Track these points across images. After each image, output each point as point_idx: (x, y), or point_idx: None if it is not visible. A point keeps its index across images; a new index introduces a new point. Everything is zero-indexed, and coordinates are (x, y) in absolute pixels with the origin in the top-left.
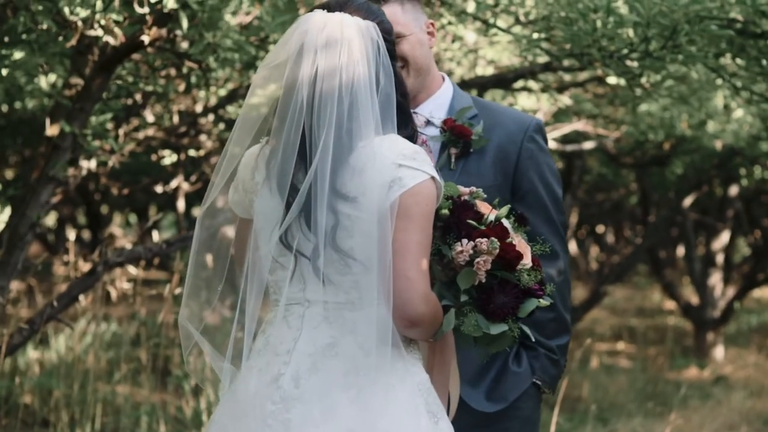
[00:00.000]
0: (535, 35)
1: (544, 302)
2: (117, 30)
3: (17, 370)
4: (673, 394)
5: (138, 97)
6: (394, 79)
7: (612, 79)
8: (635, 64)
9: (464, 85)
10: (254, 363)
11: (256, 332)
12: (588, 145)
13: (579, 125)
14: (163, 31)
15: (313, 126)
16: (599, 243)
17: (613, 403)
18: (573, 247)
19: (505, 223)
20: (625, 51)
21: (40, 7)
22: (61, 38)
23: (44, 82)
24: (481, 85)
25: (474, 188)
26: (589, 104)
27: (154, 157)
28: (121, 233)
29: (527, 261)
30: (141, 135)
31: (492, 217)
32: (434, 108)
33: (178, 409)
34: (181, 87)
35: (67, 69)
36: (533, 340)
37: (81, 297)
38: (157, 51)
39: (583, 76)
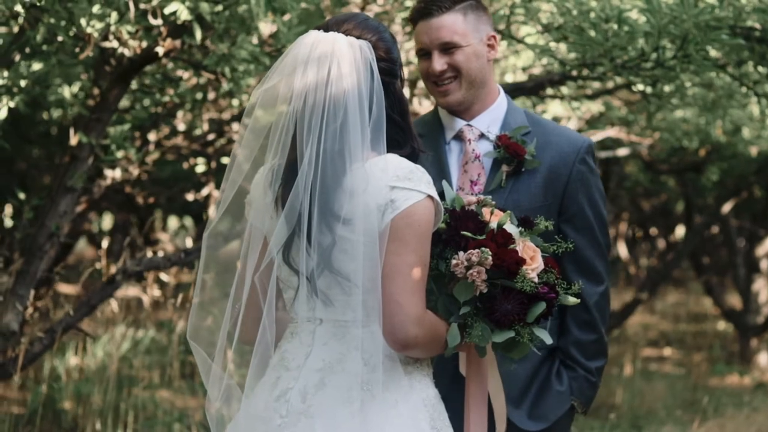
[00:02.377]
0: (553, 44)
1: (573, 300)
2: (132, 42)
3: (56, 376)
4: (710, 401)
5: (160, 107)
6: (392, 98)
7: (639, 87)
8: (647, 74)
9: None
10: (267, 378)
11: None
12: (622, 151)
13: (612, 132)
14: (177, 43)
15: (303, 146)
16: (650, 248)
17: (650, 410)
18: (623, 251)
19: (510, 228)
20: (637, 61)
21: (53, 20)
22: (78, 49)
23: (67, 92)
24: (508, 92)
25: (482, 196)
26: (619, 111)
27: (185, 165)
28: (167, 238)
29: (535, 264)
30: (168, 143)
31: (494, 225)
32: (490, 122)
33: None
34: (211, 95)
35: (91, 79)
36: (549, 342)
37: (114, 304)
38: (172, 62)
39: (612, 83)
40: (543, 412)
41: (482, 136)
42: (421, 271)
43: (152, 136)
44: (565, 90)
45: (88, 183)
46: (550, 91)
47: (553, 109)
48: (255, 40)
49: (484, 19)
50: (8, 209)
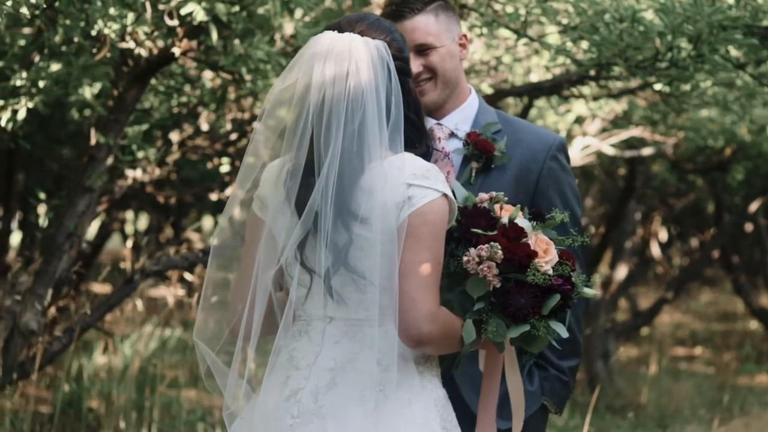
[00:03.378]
0: (569, 44)
1: (591, 292)
2: (148, 42)
3: (79, 375)
4: (737, 400)
5: (183, 107)
6: (408, 97)
7: (658, 86)
8: (662, 74)
9: (509, 93)
10: (276, 377)
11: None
12: (646, 151)
13: (636, 131)
14: (194, 43)
15: (321, 145)
16: (683, 248)
17: (677, 409)
18: (656, 251)
19: (522, 222)
20: (652, 61)
21: (68, 21)
22: (95, 50)
23: (88, 92)
24: (529, 92)
25: (494, 193)
26: (642, 111)
27: (210, 165)
28: (198, 237)
29: (549, 257)
30: (192, 144)
31: (505, 220)
32: (460, 120)
33: None
34: (234, 95)
35: (111, 79)
36: (565, 336)
37: (139, 303)
38: (195, 62)
39: (634, 83)
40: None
41: (452, 134)
42: (435, 269)
43: (175, 137)
44: (587, 90)
45: (110, 183)
46: (568, 91)
47: (577, 108)
48: (278, 41)
49: (454, 19)
50: (41, 209)
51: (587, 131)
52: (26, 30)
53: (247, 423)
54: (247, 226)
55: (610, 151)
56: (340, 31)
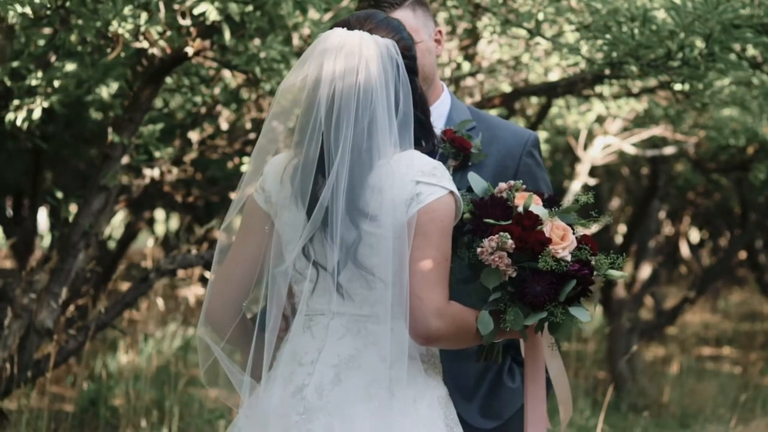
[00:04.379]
0: (582, 44)
1: (617, 273)
2: (161, 42)
3: (108, 373)
4: (759, 400)
5: (203, 107)
6: (416, 95)
7: (677, 86)
8: (674, 72)
9: (523, 93)
10: (278, 373)
11: (276, 345)
12: (668, 150)
13: (657, 131)
14: (207, 43)
15: (331, 142)
16: (713, 247)
17: (700, 409)
18: (685, 251)
19: (537, 209)
20: (663, 60)
21: (80, 21)
22: (109, 50)
23: (106, 92)
24: (543, 91)
25: (512, 182)
26: (660, 110)
27: (230, 165)
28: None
29: (566, 243)
30: (212, 143)
31: (520, 209)
32: (434, 118)
33: None
34: (252, 95)
35: (126, 79)
36: (587, 320)
37: (160, 302)
38: (214, 61)
39: (653, 82)
40: (496, 410)
41: None
42: (443, 266)
43: (195, 136)
44: (606, 90)
45: (128, 182)
46: (588, 90)
47: (597, 108)
48: (296, 40)
49: (429, 15)
50: (73, 208)
51: (608, 130)
52: (47, 30)
53: (252, 419)
54: (245, 213)
55: (632, 151)
56: (349, 28)
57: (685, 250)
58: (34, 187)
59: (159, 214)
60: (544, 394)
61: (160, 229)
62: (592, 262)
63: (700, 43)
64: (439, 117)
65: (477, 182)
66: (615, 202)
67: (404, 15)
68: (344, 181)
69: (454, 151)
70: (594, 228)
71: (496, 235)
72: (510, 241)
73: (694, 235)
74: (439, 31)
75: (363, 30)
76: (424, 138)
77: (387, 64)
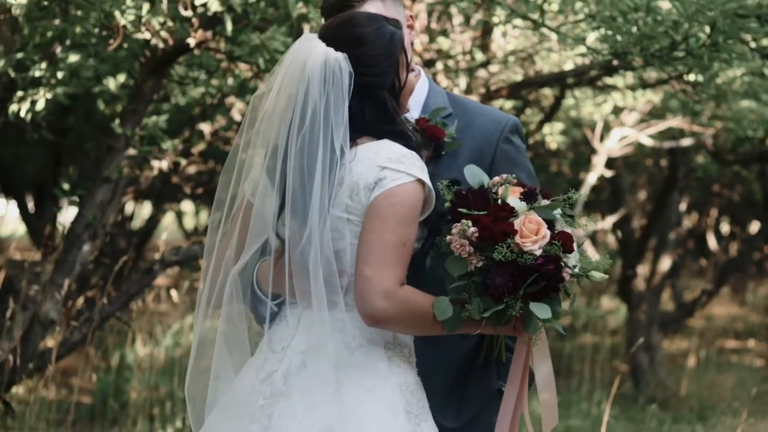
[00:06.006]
0: (592, 35)
1: (600, 276)
2: (163, 33)
3: (126, 366)
4: None
5: (214, 98)
6: (376, 108)
7: (691, 77)
8: (679, 63)
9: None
10: (255, 359)
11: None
12: (685, 142)
13: (674, 122)
14: (209, 33)
15: (290, 139)
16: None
17: (718, 402)
18: (712, 243)
19: (514, 202)
20: (667, 50)
21: (80, 12)
22: (111, 41)
23: (113, 84)
24: (549, 82)
25: (505, 175)
26: (675, 101)
27: (243, 157)
28: None
29: (536, 237)
30: (224, 135)
31: (500, 200)
32: (411, 105)
33: None
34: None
35: (128, 70)
36: (545, 317)
37: (175, 293)
38: (205, 52)
39: (665, 74)
40: (467, 402)
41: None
42: (399, 250)
43: (207, 128)
44: (620, 81)
45: (137, 174)
46: (600, 81)
47: (613, 99)
48: (307, 30)
49: (399, 1)
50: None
51: (625, 122)
52: (56, 21)
53: (222, 405)
54: (244, 208)
55: (649, 142)
56: (323, 35)
57: (712, 243)
58: (55, 180)
59: (187, 206)
60: (515, 394)
61: (189, 222)
62: (563, 259)
63: (702, 34)
64: (415, 105)
65: (475, 174)
66: (642, 195)
67: (376, 6)
68: (304, 167)
69: (425, 140)
70: (580, 231)
71: (459, 224)
72: (472, 229)
73: (725, 228)
74: (411, 17)
75: (328, 40)
76: (397, 136)
77: (329, 81)
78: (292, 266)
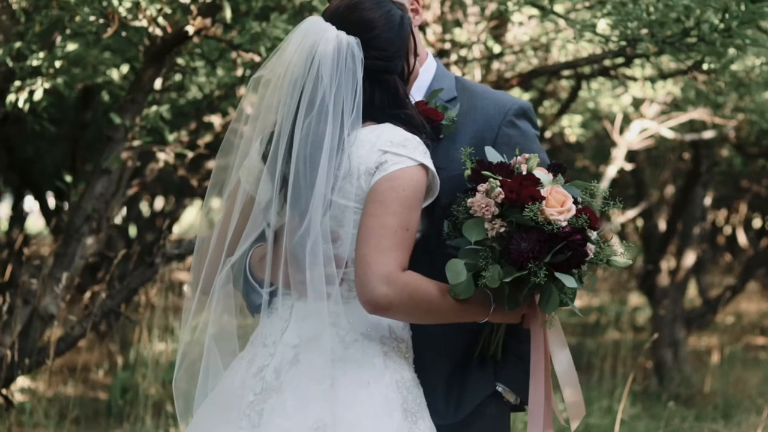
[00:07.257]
0: (603, 21)
1: (621, 260)
2: (161, 20)
3: (143, 361)
4: None
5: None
6: (387, 93)
7: (706, 66)
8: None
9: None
10: (245, 353)
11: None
12: (707, 134)
13: (695, 114)
14: (208, 21)
15: (297, 124)
16: None
17: (742, 399)
18: (742, 238)
19: (540, 174)
20: (679, 36)
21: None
22: (109, 29)
23: (116, 74)
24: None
25: (527, 155)
26: (695, 93)
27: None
28: None
29: (563, 208)
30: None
31: (523, 169)
32: (414, 90)
33: None
34: None
35: (140, 61)
36: (573, 286)
37: (186, 289)
38: (205, 40)
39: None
40: (463, 399)
41: None
42: (401, 234)
43: (217, 120)
44: (638, 72)
45: (142, 166)
46: (614, 71)
47: (632, 90)
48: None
49: None
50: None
51: (645, 114)
52: (56, 11)
53: (210, 399)
54: (239, 196)
55: (670, 135)
56: (330, 17)
57: (742, 238)
58: (73, 175)
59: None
60: (543, 390)
61: (216, 216)
62: (588, 233)
63: (716, 19)
64: (419, 89)
65: (492, 155)
66: (669, 190)
67: None
68: (307, 153)
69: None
70: (598, 213)
71: (486, 183)
72: (498, 189)
73: (757, 222)
74: (416, 0)
75: (338, 23)
76: (403, 122)
77: (341, 62)
78: (288, 255)
